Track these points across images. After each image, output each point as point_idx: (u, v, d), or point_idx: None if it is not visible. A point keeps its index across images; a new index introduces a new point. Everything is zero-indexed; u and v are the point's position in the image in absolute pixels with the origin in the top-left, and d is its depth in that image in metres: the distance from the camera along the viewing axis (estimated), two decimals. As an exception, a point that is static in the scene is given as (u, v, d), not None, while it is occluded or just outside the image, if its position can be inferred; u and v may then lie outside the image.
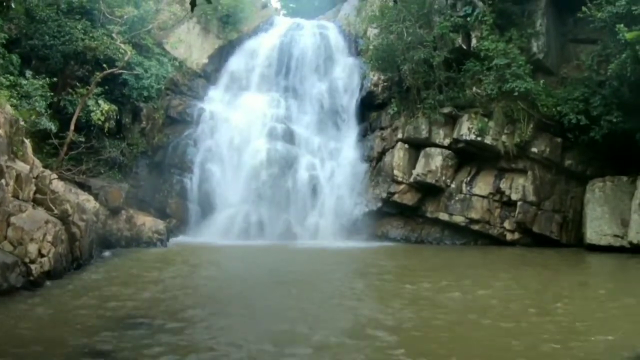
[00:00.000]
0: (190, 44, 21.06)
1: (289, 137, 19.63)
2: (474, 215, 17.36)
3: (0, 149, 9.71)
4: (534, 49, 17.51)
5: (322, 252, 15.77)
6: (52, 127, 14.88)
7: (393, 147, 18.70)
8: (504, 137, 17.03)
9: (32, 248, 9.30)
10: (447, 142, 17.86)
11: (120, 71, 17.36)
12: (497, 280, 10.98)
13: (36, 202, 10.58)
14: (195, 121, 19.80)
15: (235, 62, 21.63)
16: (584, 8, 15.79)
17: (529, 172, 17.07)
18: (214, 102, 20.58)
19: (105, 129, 16.89)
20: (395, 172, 18.28)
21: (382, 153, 19.15)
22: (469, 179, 17.78)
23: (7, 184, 9.63)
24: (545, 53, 17.61)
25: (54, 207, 10.66)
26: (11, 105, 12.08)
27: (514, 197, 17.04)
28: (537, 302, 8.88)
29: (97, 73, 16.68)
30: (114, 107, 17.08)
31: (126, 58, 17.30)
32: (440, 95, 17.93)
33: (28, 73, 15.52)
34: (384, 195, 18.41)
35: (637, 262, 13.81)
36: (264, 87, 21.18)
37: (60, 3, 17.64)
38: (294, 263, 13.71)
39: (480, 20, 17.63)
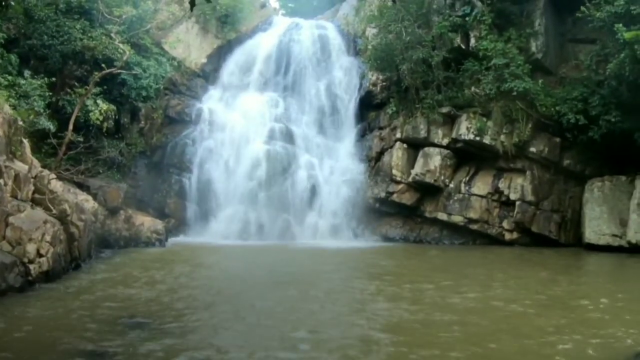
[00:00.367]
0: (188, 44, 21.03)
1: (288, 136, 19.60)
2: (472, 215, 17.37)
3: (-2, 149, 9.70)
4: (533, 48, 17.52)
5: (321, 252, 15.77)
6: (51, 127, 14.89)
7: (392, 147, 18.71)
8: (502, 137, 17.04)
9: (31, 248, 9.27)
10: (445, 141, 17.87)
11: (119, 71, 17.37)
12: (496, 280, 11.00)
13: (35, 202, 10.56)
14: (194, 121, 19.77)
15: (234, 62, 21.58)
16: (582, 8, 15.80)
17: (528, 172, 17.07)
18: (213, 101, 20.54)
19: (104, 129, 16.94)
20: (394, 171, 18.29)
21: (381, 153, 19.16)
22: (467, 178, 17.79)
23: (5, 184, 9.62)
24: (543, 53, 17.63)
25: (52, 207, 10.64)
26: (10, 105, 12.08)
27: (512, 196, 17.05)
28: (536, 302, 8.88)
29: (96, 73, 16.69)
30: (112, 107, 17.11)
31: (125, 58, 17.31)
32: (439, 95, 17.95)
33: (27, 73, 15.53)
34: (383, 194, 18.42)
35: (636, 261, 13.86)
36: (262, 86, 21.16)
37: (59, 3, 17.64)
38: (293, 263, 13.70)
39: (479, 20, 17.65)
